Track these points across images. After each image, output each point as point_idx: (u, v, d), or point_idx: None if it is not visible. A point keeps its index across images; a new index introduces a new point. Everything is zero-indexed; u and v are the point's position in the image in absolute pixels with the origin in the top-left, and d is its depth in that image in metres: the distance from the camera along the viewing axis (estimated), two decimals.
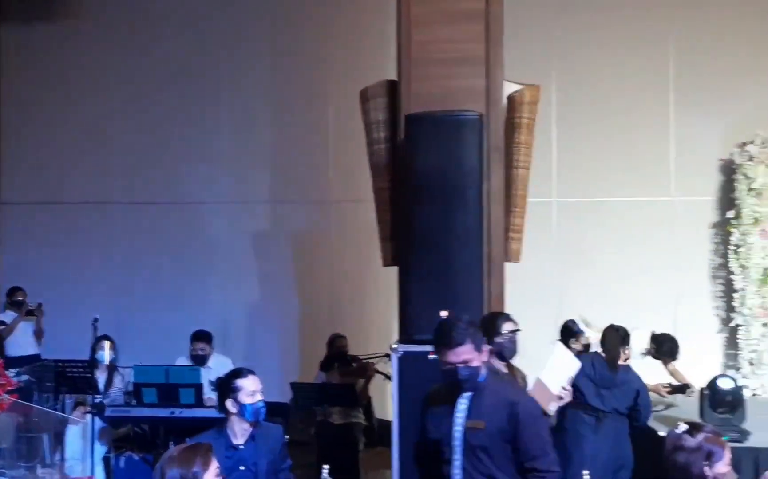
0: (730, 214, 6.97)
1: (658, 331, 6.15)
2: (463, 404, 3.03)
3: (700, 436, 2.70)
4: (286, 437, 3.50)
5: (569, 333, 5.77)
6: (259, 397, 3.24)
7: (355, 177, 6.77)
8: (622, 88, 7.32)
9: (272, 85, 8.08)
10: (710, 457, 2.65)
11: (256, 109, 8.09)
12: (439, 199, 4.48)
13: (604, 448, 4.84)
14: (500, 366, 3.79)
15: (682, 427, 2.78)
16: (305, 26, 7.93)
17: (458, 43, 4.81)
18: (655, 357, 5.93)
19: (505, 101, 5.00)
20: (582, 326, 5.78)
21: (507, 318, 4.00)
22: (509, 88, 5.11)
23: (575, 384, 4.29)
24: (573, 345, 5.57)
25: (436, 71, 4.81)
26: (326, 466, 3.15)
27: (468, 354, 2.97)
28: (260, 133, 8.09)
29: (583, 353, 5.39)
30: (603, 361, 5.04)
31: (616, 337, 5.12)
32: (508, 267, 5.06)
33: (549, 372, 3.92)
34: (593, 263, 7.20)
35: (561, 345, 4.16)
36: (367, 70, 6.18)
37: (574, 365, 4.10)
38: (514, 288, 5.82)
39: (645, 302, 6.86)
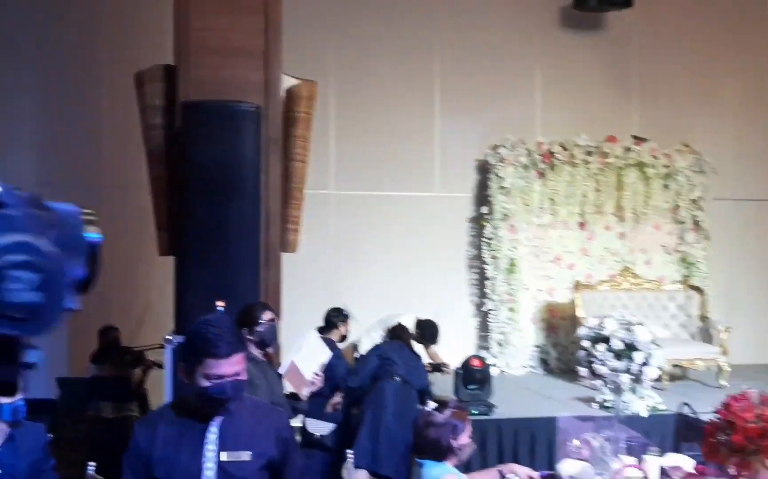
0: (484, 209, 7.46)
1: (422, 317, 6.63)
2: (213, 432, 2.31)
3: (447, 412, 3.00)
4: (50, 435, 3.31)
5: (333, 321, 5.93)
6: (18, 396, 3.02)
7: (128, 163, 6.47)
8: (395, 88, 7.61)
9: (41, 62, 7.45)
10: (455, 430, 2.95)
11: (23, 86, 7.43)
12: (216, 190, 4.46)
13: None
14: (259, 354, 3.91)
15: (431, 405, 3.07)
16: (77, 1, 7.43)
17: (237, 34, 4.80)
18: (419, 341, 6.35)
19: (283, 94, 5.06)
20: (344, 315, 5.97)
21: (265, 307, 4.05)
22: (288, 82, 5.19)
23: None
24: (334, 333, 5.82)
25: (215, 60, 4.77)
26: (92, 463, 3.02)
27: (241, 364, 2.32)
28: (25, 112, 7.44)
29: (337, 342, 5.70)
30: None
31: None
32: (286, 257, 5.16)
33: (302, 357, 4.07)
34: (366, 254, 7.46)
35: (314, 332, 4.31)
36: (146, 51, 5.92)
37: (325, 352, 4.30)
38: (292, 278, 5.96)
39: (410, 290, 7.28)
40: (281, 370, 4.09)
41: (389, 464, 5.06)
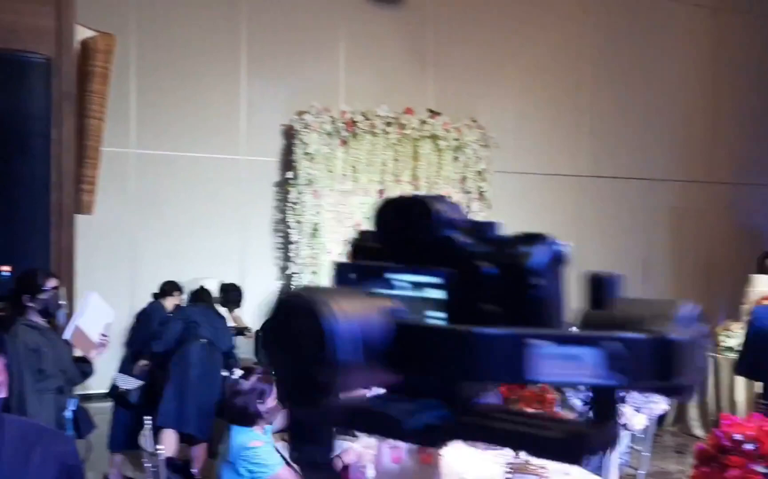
0: (289, 174, 7.54)
1: (226, 281, 6.62)
2: None
3: (254, 378, 3.09)
4: None
5: (167, 289, 5.96)
6: None
7: None
8: (200, 46, 7.41)
9: None
10: (262, 395, 3.05)
11: None
12: (2, 146, 4.16)
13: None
14: (43, 322, 3.77)
15: (238, 373, 3.15)
16: None
17: None
18: (223, 305, 6.35)
19: (78, 47, 4.79)
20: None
21: (48, 273, 3.93)
22: (83, 33, 4.91)
23: None
24: (168, 301, 5.79)
25: (1, 4, 4.40)
26: None
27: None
28: None
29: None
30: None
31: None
32: (81, 219, 4.92)
33: (86, 320, 3.99)
34: (169, 216, 7.25)
35: (96, 294, 4.22)
36: None
37: (109, 313, 4.23)
38: (87, 240, 5.69)
39: (215, 254, 7.22)
40: (66, 335, 3.95)
41: (194, 424, 5.09)
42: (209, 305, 5.77)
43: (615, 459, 2.21)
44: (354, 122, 7.58)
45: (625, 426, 2.08)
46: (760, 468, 1.74)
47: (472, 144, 8.08)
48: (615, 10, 9.40)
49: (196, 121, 7.44)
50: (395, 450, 2.72)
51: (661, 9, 9.69)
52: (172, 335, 5.32)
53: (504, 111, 8.82)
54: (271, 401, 3.06)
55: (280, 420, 3.14)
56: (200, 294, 5.87)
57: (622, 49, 9.44)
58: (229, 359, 5.41)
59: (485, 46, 8.76)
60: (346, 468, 2.79)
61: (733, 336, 6.73)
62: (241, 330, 6.39)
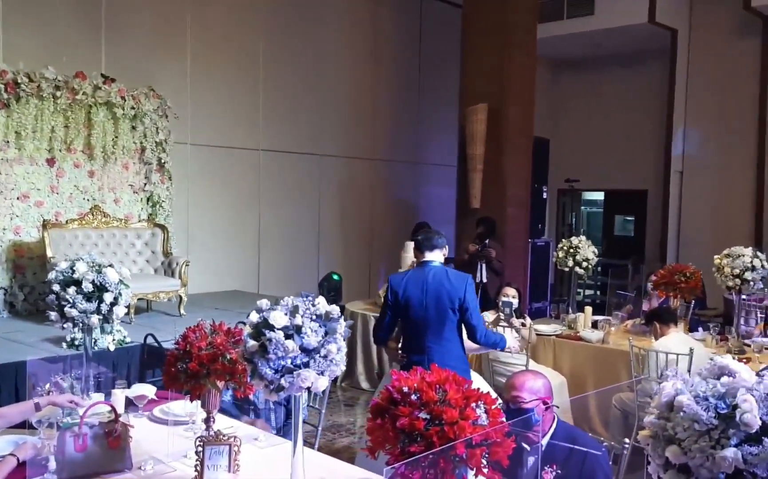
0: None
1: None
2: None
3: None
4: None
5: None
6: None
7: None
8: None
9: None
10: None
11: None
12: None
13: None
14: None
15: None
16: None
17: None
18: None
19: None
20: None
21: None
22: None
23: None
24: None
25: None
26: None
27: None
28: None
29: None
30: None
31: None
32: None
33: None
34: None
35: None
36: None
37: None
38: None
39: None
40: None
41: None
42: None
43: (300, 418, 2.37)
44: (17, 84, 6.76)
45: (309, 389, 2.24)
46: (422, 415, 2.01)
47: (150, 113, 7.73)
48: None
49: None
50: (77, 438, 2.57)
51: None
52: None
53: (183, 82, 8.61)
54: None
55: None
56: None
57: (295, 31, 9.82)
58: None
59: (163, 15, 8.45)
60: (23, 464, 2.55)
61: None
62: None
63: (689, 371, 4.66)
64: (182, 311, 7.10)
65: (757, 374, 1.50)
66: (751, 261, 5.68)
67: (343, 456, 5.01)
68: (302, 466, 2.37)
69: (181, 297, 7.15)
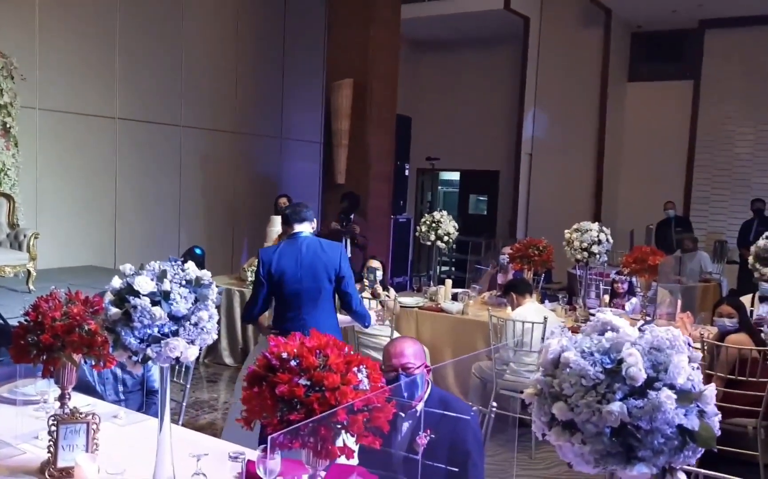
0: None
1: None
2: None
3: None
4: None
5: None
6: None
7: None
8: None
9: None
10: None
11: None
12: None
13: None
14: None
15: None
16: None
17: None
18: None
19: None
20: None
21: None
22: None
23: None
24: None
25: None
26: None
27: None
28: None
29: None
30: None
31: None
32: None
33: None
34: None
35: None
36: None
37: None
38: None
39: None
40: None
41: None
42: None
43: (168, 395, 2.17)
44: None
45: (178, 359, 2.05)
46: (302, 381, 1.89)
47: None
48: None
49: None
50: None
51: None
52: None
53: (31, 40, 7.83)
54: None
55: None
56: None
57: (156, 1, 9.22)
58: None
59: None
60: None
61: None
62: None
63: (542, 339, 4.86)
64: (31, 286, 6.49)
65: (639, 329, 1.52)
66: (598, 236, 6.02)
67: (207, 432, 4.77)
68: (169, 442, 2.17)
69: (29, 272, 6.53)
